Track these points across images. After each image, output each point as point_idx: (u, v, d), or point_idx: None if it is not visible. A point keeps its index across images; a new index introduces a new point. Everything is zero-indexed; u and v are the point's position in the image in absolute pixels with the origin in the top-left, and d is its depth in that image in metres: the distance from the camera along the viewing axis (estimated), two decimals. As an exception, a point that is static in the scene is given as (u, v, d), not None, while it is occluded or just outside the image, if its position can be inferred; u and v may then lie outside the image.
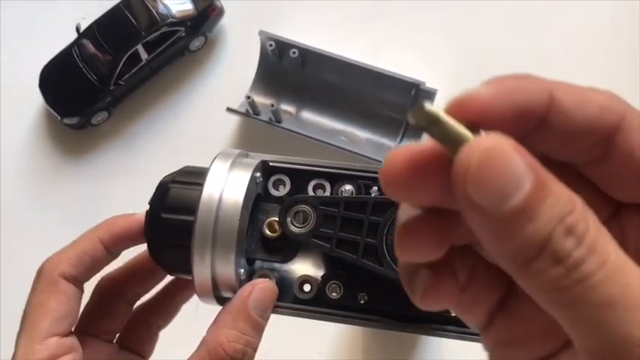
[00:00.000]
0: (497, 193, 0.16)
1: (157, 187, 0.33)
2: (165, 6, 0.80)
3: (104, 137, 0.83)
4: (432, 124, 0.19)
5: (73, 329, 0.35)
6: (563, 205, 0.17)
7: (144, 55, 0.80)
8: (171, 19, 0.80)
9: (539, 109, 0.21)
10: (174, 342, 0.73)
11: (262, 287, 0.31)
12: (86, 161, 0.83)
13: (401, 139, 0.77)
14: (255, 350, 0.31)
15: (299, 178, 0.33)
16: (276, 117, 0.78)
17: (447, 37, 0.83)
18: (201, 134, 0.82)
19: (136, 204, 0.79)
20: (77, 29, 0.81)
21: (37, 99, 0.83)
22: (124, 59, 0.79)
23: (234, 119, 0.81)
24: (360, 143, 0.78)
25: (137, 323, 0.39)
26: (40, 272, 0.36)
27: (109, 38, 0.80)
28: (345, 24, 0.84)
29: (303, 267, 0.33)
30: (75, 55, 0.81)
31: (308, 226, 0.30)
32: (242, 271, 0.31)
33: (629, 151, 0.20)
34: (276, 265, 0.33)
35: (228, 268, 0.30)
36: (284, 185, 0.33)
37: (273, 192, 0.33)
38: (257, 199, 0.32)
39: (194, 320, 0.76)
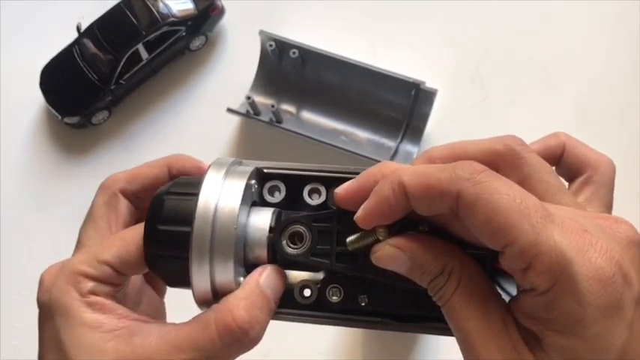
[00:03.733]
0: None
1: (152, 199, 0.32)
2: (166, 5, 0.80)
3: (104, 136, 0.84)
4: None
5: None
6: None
7: (144, 55, 0.80)
8: (171, 19, 0.80)
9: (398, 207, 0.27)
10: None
11: (272, 269, 0.31)
12: (86, 160, 0.83)
13: (401, 139, 0.77)
14: (262, 330, 0.31)
15: (294, 183, 0.33)
16: (277, 117, 0.78)
17: (447, 36, 0.83)
18: (202, 134, 0.82)
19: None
20: (78, 29, 0.81)
21: (37, 98, 0.83)
22: (124, 58, 0.79)
23: (235, 119, 0.81)
24: (361, 143, 0.78)
25: None
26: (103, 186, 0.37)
27: (109, 38, 0.80)
28: (345, 24, 0.84)
29: (303, 272, 0.33)
30: (75, 54, 0.81)
31: (304, 246, 0.30)
32: (241, 279, 0.31)
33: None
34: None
35: (227, 277, 0.30)
36: (279, 191, 0.33)
37: (269, 198, 0.33)
38: (253, 206, 0.32)
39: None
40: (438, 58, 0.82)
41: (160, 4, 0.80)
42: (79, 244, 0.36)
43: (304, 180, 0.33)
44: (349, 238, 0.29)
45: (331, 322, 0.31)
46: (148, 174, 0.36)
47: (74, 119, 0.81)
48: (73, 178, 0.82)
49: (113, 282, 0.33)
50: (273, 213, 0.32)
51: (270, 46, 0.78)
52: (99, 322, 0.31)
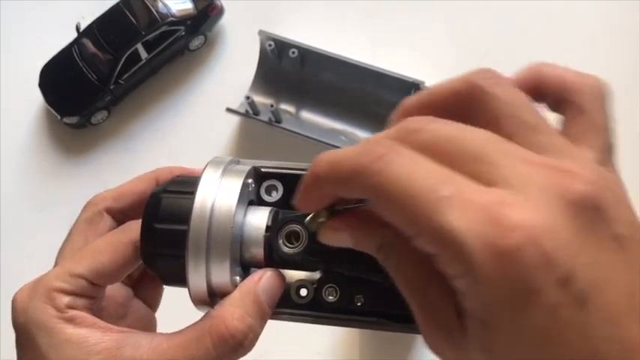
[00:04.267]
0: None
1: (149, 198, 0.32)
2: (165, 5, 0.80)
3: (104, 136, 0.84)
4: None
5: None
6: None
7: (144, 55, 0.80)
8: (171, 19, 0.80)
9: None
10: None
11: (272, 274, 0.31)
12: (86, 160, 0.83)
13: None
14: (256, 338, 0.31)
15: (291, 182, 0.33)
16: (276, 117, 0.78)
17: (446, 36, 0.83)
18: (201, 134, 0.82)
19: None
20: (77, 28, 0.81)
21: (36, 98, 0.83)
22: (123, 58, 0.79)
23: (234, 119, 0.81)
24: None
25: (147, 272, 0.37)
26: (86, 205, 0.36)
27: (108, 37, 0.80)
28: (344, 24, 0.84)
29: (299, 271, 0.32)
30: (75, 54, 0.81)
31: (300, 244, 0.30)
32: (238, 278, 0.31)
33: None
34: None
35: (223, 276, 0.30)
36: (276, 190, 0.33)
37: (266, 197, 0.33)
38: (250, 205, 0.32)
39: (194, 320, 0.76)
40: (437, 58, 0.82)
41: (159, 4, 0.80)
42: (55, 263, 0.35)
43: (302, 179, 0.33)
44: (305, 220, 0.28)
45: (327, 321, 0.31)
46: (135, 190, 0.36)
47: (73, 119, 0.81)
48: (72, 178, 0.82)
49: (89, 294, 0.32)
50: (270, 212, 0.31)
51: (270, 45, 0.78)
52: (83, 338, 0.30)
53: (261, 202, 0.33)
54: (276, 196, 0.33)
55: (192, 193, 0.30)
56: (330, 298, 0.31)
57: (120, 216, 0.36)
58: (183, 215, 0.30)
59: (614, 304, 0.21)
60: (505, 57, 0.84)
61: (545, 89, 0.27)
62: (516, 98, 0.24)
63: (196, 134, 0.82)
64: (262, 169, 0.33)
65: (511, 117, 0.23)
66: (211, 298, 0.31)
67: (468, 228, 0.20)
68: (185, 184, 0.32)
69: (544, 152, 0.23)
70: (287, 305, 0.32)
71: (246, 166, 0.33)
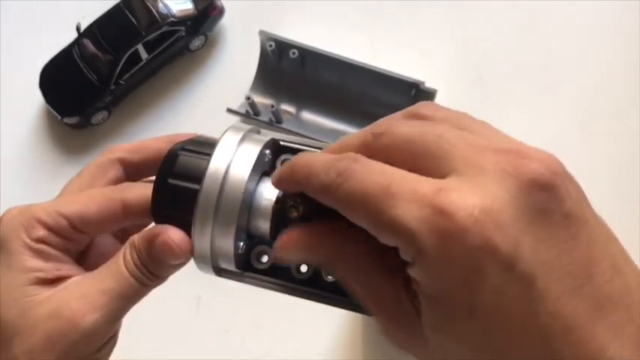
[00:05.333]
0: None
1: (167, 153, 0.33)
2: (166, 5, 0.80)
3: (104, 137, 0.84)
4: None
5: None
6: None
7: (144, 55, 0.80)
8: (171, 19, 0.80)
9: None
10: (175, 342, 0.73)
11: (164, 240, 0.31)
12: (86, 160, 0.81)
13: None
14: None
15: None
16: (277, 117, 0.78)
17: (447, 36, 0.83)
18: (201, 134, 0.82)
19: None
20: (77, 29, 0.81)
21: (37, 98, 0.83)
22: (124, 59, 0.79)
23: (234, 119, 0.81)
24: (360, 143, 0.78)
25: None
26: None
27: (109, 38, 0.80)
28: (344, 24, 0.84)
29: None
30: (75, 54, 0.81)
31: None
32: (241, 244, 0.31)
33: None
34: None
35: (227, 241, 0.30)
36: None
37: None
38: (264, 176, 0.32)
39: (194, 320, 0.76)
40: (437, 58, 0.82)
41: (160, 4, 0.80)
42: (60, 193, 0.37)
43: None
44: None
45: (324, 300, 0.31)
46: (152, 147, 0.37)
47: (74, 119, 0.81)
48: (72, 179, 0.82)
49: (67, 236, 0.33)
50: None
51: (270, 46, 0.78)
52: (36, 268, 0.32)
53: None
54: None
55: (209, 155, 0.31)
56: (329, 277, 0.31)
57: (132, 169, 0.37)
58: (197, 174, 0.30)
59: (560, 281, 0.21)
60: (505, 57, 0.84)
61: None
62: (457, 112, 0.27)
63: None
64: (281, 142, 0.34)
65: (457, 125, 0.25)
66: (213, 259, 0.31)
67: (414, 217, 0.22)
68: (203, 145, 0.32)
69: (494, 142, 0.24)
70: (284, 279, 0.32)
71: (266, 137, 0.33)
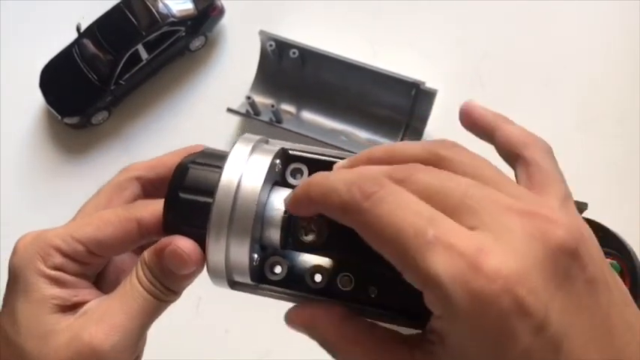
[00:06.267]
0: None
1: (177, 167, 0.32)
2: (166, 5, 0.80)
3: (104, 137, 0.84)
4: None
5: None
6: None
7: (144, 55, 0.80)
8: (171, 19, 0.80)
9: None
10: (175, 342, 0.73)
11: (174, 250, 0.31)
12: (86, 160, 0.83)
13: (401, 140, 0.77)
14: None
15: (317, 167, 0.32)
16: (277, 117, 0.78)
17: (447, 36, 0.83)
18: (201, 134, 0.82)
19: (136, 203, 0.79)
20: (78, 29, 0.81)
21: (37, 99, 0.83)
22: (124, 59, 0.79)
23: (235, 119, 0.81)
24: (360, 143, 0.78)
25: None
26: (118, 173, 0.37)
27: (109, 38, 0.80)
28: (345, 24, 0.84)
29: (316, 256, 0.32)
30: (75, 54, 0.81)
31: (320, 233, 0.30)
32: (255, 256, 0.31)
33: None
34: (290, 253, 0.32)
35: (242, 253, 0.30)
36: (301, 174, 0.33)
37: (291, 180, 0.33)
38: (275, 186, 0.32)
39: (194, 320, 0.76)
40: (438, 59, 0.82)
41: (160, 5, 0.80)
42: (76, 214, 0.36)
43: (328, 165, 0.32)
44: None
45: None
46: (167, 163, 0.36)
47: (74, 119, 0.81)
48: (72, 178, 0.82)
49: (83, 260, 0.33)
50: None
51: (270, 46, 0.78)
52: (54, 296, 0.32)
53: (285, 184, 0.33)
54: (299, 179, 0.33)
55: (220, 167, 0.30)
56: (345, 287, 0.31)
57: (149, 187, 0.37)
58: (209, 188, 0.30)
59: (584, 345, 0.22)
60: (505, 57, 0.84)
61: (498, 146, 0.29)
62: (474, 161, 0.26)
63: (197, 134, 0.82)
64: (290, 152, 0.33)
65: (479, 177, 0.25)
66: (227, 273, 0.31)
67: (450, 273, 0.22)
68: (213, 157, 0.32)
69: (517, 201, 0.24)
70: (299, 289, 0.31)
71: (275, 146, 0.33)
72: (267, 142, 0.33)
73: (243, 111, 0.78)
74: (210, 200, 0.30)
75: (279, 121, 0.78)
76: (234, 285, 0.32)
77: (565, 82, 0.81)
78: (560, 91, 0.80)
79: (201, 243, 0.30)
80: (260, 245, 0.31)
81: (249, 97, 0.76)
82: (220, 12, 0.83)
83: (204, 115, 0.83)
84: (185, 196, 0.31)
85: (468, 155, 0.26)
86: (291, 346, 0.72)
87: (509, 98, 0.81)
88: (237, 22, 0.86)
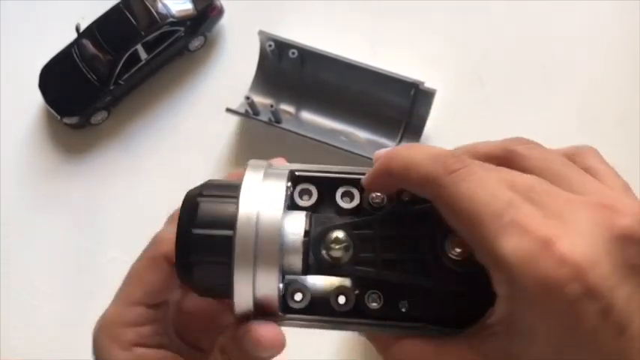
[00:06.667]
0: None
1: (183, 203, 0.30)
2: (165, 6, 0.80)
3: (104, 137, 0.83)
4: None
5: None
6: None
7: (143, 55, 0.80)
8: (170, 19, 0.80)
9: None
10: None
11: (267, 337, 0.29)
12: (86, 160, 0.83)
13: (400, 139, 0.77)
14: None
15: (326, 186, 0.32)
16: (276, 117, 0.78)
17: (446, 36, 0.83)
18: (201, 134, 0.82)
19: (136, 203, 0.79)
20: (77, 29, 0.81)
21: (36, 98, 0.83)
22: (123, 59, 0.79)
23: (234, 119, 0.81)
24: (360, 143, 0.78)
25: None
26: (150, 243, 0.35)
27: (108, 38, 0.80)
28: (344, 24, 0.84)
29: (335, 278, 0.31)
30: (74, 54, 0.81)
31: (347, 252, 0.29)
32: (281, 286, 0.29)
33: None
34: (310, 278, 0.31)
35: (270, 286, 0.28)
36: (309, 195, 0.32)
37: (300, 202, 0.32)
38: (287, 209, 0.31)
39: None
40: (437, 58, 0.82)
41: (159, 5, 0.80)
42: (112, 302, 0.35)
43: (336, 183, 0.32)
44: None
45: (370, 328, 0.30)
46: None
47: (73, 119, 0.81)
48: (72, 178, 0.82)
49: (150, 320, 0.33)
50: (307, 216, 0.30)
51: (270, 46, 0.78)
52: None
53: (295, 206, 0.32)
54: (309, 200, 0.32)
55: (235, 197, 0.29)
56: (374, 304, 0.30)
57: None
58: (227, 220, 0.28)
59: None
60: (505, 57, 0.84)
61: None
62: (551, 156, 0.27)
63: (196, 135, 0.82)
64: (297, 173, 0.32)
65: (546, 170, 0.26)
66: (256, 309, 0.29)
67: (522, 256, 0.23)
68: (224, 188, 0.31)
69: (583, 194, 0.25)
70: (326, 313, 0.30)
71: (284, 169, 0.31)
72: (270, 165, 0.32)
73: (242, 111, 0.78)
74: (230, 233, 0.28)
75: (278, 121, 0.78)
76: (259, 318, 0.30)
77: (565, 82, 0.80)
78: (560, 91, 0.80)
79: (224, 279, 0.28)
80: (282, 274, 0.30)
81: (248, 97, 0.76)
82: (219, 12, 0.83)
83: (204, 115, 0.83)
84: (200, 232, 0.29)
85: (540, 151, 0.27)
86: (291, 345, 0.72)
87: (508, 98, 0.80)
88: (236, 22, 0.86)
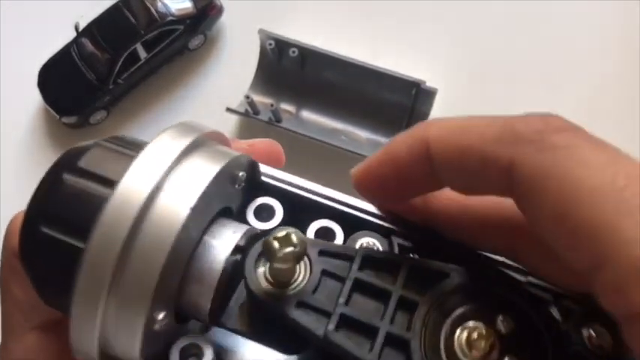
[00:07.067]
0: None
1: (46, 175, 0.21)
2: (165, 4, 0.80)
3: (102, 136, 0.83)
4: None
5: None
6: None
7: (143, 54, 0.79)
8: (170, 18, 0.79)
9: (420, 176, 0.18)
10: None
11: None
12: (85, 160, 0.83)
13: (401, 139, 0.77)
14: None
15: (297, 210, 0.21)
16: (276, 116, 0.77)
17: (447, 36, 0.83)
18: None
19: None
20: (76, 28, 0.81)
21: (35, 98, 0.82)
22: (122, 58, 0.78)
23: (234, 118, 0.80)
24: (360, 143, 0.77)
25: None
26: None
27: (107, 37, 0.79)
28: (345, 23, 0.84)
29: (267, 351, 0.19)
30: (74, 53, 0.80)
31: (296, 283, 0.18)
32: (157, 326, 0.18)
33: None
34: (231, 341, 0.19)
35: (129, 344, 0.18)
36: (270, 215, 0.21)
37: (254, 221, 0.22)
38: (223, 214, 0.20)
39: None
40: (438, 58, 0.82)
41: (159, 4, 0.80)
42: None
43: (313, 211, 0.21)
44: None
45: None
46: None
47: (72, 119, 0.81)
48: (71, 178, 0.82)
49: (50, 349, 0.25)
50: (244, 230, 0.20)
51: (270, 45, 0.77)
52: None
53: (242, 219, 0.22)
54: (265, 221, 0.22)
55: (114, 183, 0.18)
56: None
57: None
58: (84, 219, 0.18)
59: None
60: (505, 57, 0.84)
61: None
62: (576, 134, 0.19)
63: (196, 134, 0.82)
64: (262, 177, 0.22)
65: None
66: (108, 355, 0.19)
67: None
68: (115, 159, 0.20)
69: None
70: None
71: (237, 156, 0.21)
72: (225, 143, 0.21)
73: (242, 110, 0.77)
74: (81, 245, 0.18)
75: (278, 120, 0.77)
76: None
77: (565, 82, 0.80)
78: (559, 91, 0.80)
79: (65, 308, 0.18)
80: (177, 314, 0.19)
81: (248, 97, 0.76)
82: (219, 11, 0.83)
83: (203, 114, 0.82)
84: (48, 231, 0.19)
85: (577, 132, 0.18)
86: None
87: (509, 98, 0.80)
88: (236, 20, 0.85)
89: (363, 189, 0.20)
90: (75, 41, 0.81)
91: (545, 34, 0.83)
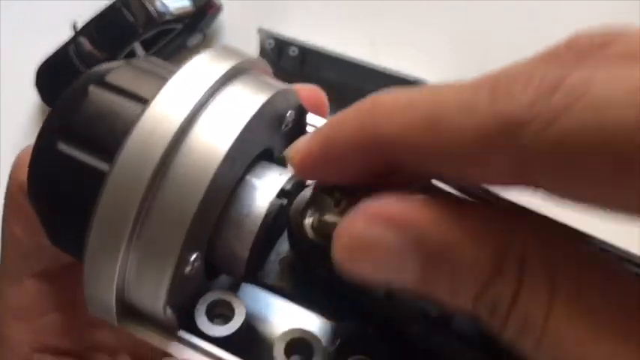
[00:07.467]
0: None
1: (70, 88, 0.18)
2: (163, 3, 0.79)
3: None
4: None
5: None
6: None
7: (141, 53, 0.79)
8: (168, 17, 0.79)
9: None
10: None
11: None
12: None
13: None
14: None
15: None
16: (276, 116, 0.77)
17: (447, 35, 0.83)
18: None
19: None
20: (74, 27, 0.81)
21: (33, 97, 0.82)
22: (120, 57, 0.78)
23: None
24: (360, 142, 0.77)
25: None
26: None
27: (105, 36, 0.79)
28: (345, 22, 0.84)
29: (307, 315, 0.17)
30: (72, 52, 0.80)
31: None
32: (188, 269, 0.16)
33: None
34: (250, 292, 0.18)
35: (153, 297, 0.16)
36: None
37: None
38: (263, 156, 0.18)
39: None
40: (438, 57, 0.82)
41: (157, 2, 0.79)
42: None
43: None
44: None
45: None
46: None
47: (70, 118, 0.80)
48: (69, 178, 0.82)
49: (51, 302, 0.24)
50: (294, 176, 0.18)
51: (270, 44, 0.77)
52: None
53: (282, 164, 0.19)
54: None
55: (145, 101, 0.16)
56: None
57: None
58: (114, 137, 0.16)
59: None
60: (506, 56, 0.83)
61: None
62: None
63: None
64: (307, 124, 0.19)
65: None
66: (132, 313, 0.17)
67: None
68: (149, 77, 0.17)
69: None
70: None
71: (286, 84, 0.18)
72: (272, 76, 0.19)
73: (242, 110, 0.77)
74: (105, 167, 0.16)
75: (278, 119, 0.77)
76: (124, 318, 0.17)
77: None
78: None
79: (79, 250, 0.16)
80: (207, 269, 0.17)
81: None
82: (218, 9, 0.83)
83: (202, 113, 0.82)
84: (67, 149, 0.17)
85: None
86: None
87: (510, 97, 0.80)
88: (235, 19, 0.85)
89: (307, 174, 0.17)
90: (73, 40, 0.80)
91: (545, 34, 0.82)
